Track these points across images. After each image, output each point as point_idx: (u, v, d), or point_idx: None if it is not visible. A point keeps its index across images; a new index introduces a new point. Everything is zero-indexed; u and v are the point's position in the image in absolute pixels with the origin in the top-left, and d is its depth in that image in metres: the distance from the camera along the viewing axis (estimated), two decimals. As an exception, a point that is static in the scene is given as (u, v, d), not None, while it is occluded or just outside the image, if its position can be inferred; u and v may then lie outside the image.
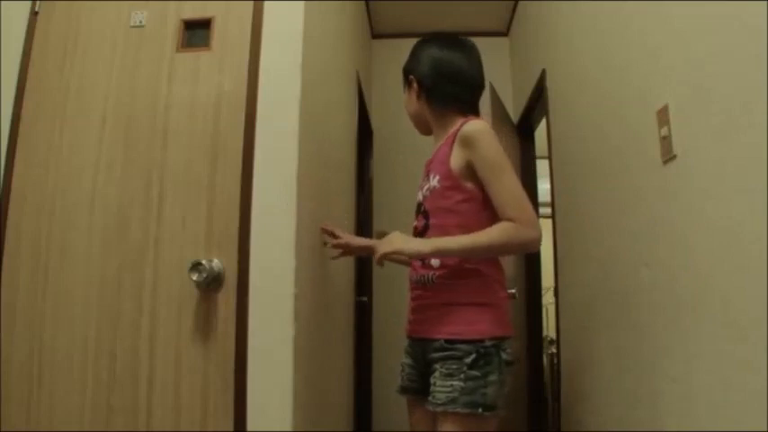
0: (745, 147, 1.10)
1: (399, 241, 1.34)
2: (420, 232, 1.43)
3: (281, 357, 1.45)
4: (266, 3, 1.65)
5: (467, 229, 1.34)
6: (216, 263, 1.50)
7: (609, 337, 1.93)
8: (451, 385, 1.27)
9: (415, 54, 1.54)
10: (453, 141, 1.38)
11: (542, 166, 3.10)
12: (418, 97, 1.51)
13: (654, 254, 1.54)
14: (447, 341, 1.31)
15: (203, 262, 1.47)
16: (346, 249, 1.80)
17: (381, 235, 3.65)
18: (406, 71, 1.55)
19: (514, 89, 3.73)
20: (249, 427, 1.43)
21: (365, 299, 3.26)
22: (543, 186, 3.09)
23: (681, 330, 1.37)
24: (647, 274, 1.57)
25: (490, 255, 1.37)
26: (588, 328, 2.21)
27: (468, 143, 1.34)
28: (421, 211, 1.45)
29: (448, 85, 1.47)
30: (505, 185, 1.33)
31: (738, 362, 1.12)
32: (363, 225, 3.38)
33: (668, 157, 1.42)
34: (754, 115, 1.05)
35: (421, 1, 3.50)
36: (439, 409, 1.27)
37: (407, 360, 1.48)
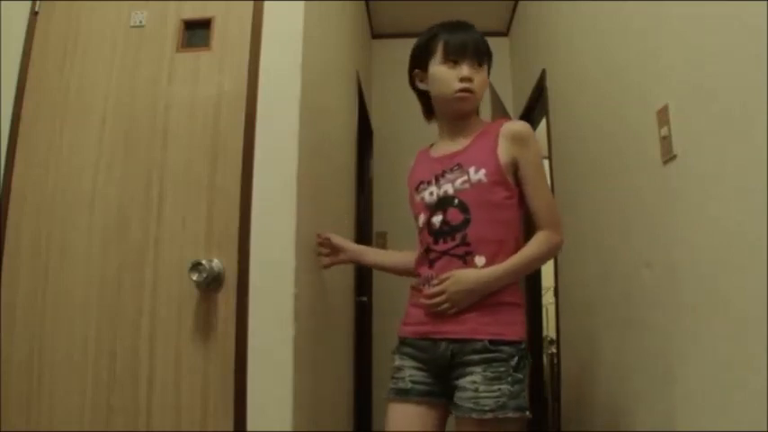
0: (745, 147, 1.10)
1: (472, 285, 1.29)
2: (455, 227, 1.33)
3: (281, 357, 1.45)
4: (266, 3, 1.65)
5: (508, 225, 1.34)
6: (216, 263, 1.50)
7: (609, 337, 1.93)
8: (499, 389, 1.21)
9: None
10: (496, 136, 1.35)
11: (542, 166, 3.10)
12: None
13: (654, 254, 1.54)
14: (491, 342, 1.25)
15: (203, 262, 1.47)
16: (330, 247, 1.72)
17: (381, 235, 3.60)
18: (491, 55, 1.46)
19: (514, 89, 3.74)
20: (249, 427, 1.43)
21: (365, 299, 3.26)
22: (543, 186, 3.08)
23: (681, 330, 1.37)
24: (648, 274, 1.57)
25: (538, 266, 1.42)
26: (588, 328, 2.21)
27: (520, 141, 1.34)
28: (454, 204, 1.34)
29: None
30: (545, 190, 1.38)
31: (738, 362, 1.12)
32: (363, 225, 3.38)
33: (668, 157, 1.42)
34: (754, 115, 1.05)
35: (421, 1, 3.50)
36: (488, 415, 1.20)
37: (409, 362, 1.36)
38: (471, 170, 1.33)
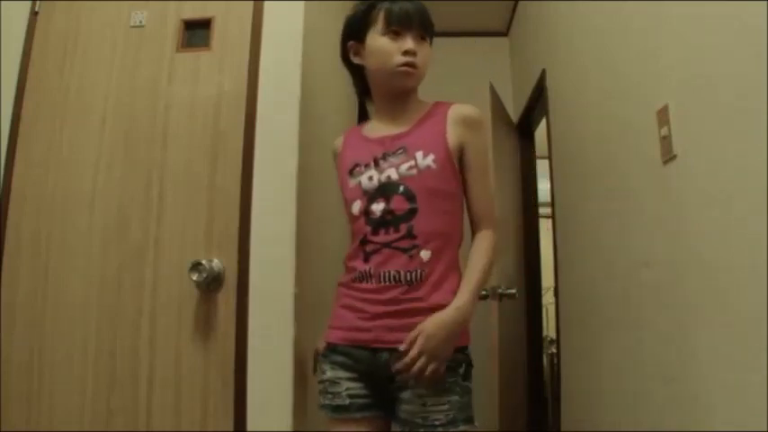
0: (745, 147, 1.10)
1: (447, 330, 1.11)
2: (400, 217, 1.18)
3: (281, 357, 1.45)
4: (266, 3, 1.65)
5: (453, 217, 1.22)
6: (216, 263, 1.50)
7: (609, 337, 1.93)
8: (449, 401, 1.11)
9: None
10: (445, 118, 1.23)
11: (542, 166, 3.10)
12: None
13: (654, 254, 1.53)
14: None
15: (203, 262, 1.47)
16: None
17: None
18: (432, 28, 1.32)
19: (514, 89, 3.73)
20: (249, 427, 1.43)
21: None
22: (543, 186, 3.09)
23: (681, 330, 1.37)
24: (647, 274, 1.57)
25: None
26: (588, 328, 2.21)
27: (470, 125, 1.23)
28: (399, 191, 1.19)
29: None
30: (489, 182, 1.27)
31: (738, 362, 1.12)
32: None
33: (668, 157, 1.42)
34: (754, 115, 1.05)
35: (421, 1, 3.50)
36: (438, 430, 1.09)
37: (342, 373, 1.19)
38: (419, 155, 1.19)
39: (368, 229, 1.21)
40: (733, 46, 1.14)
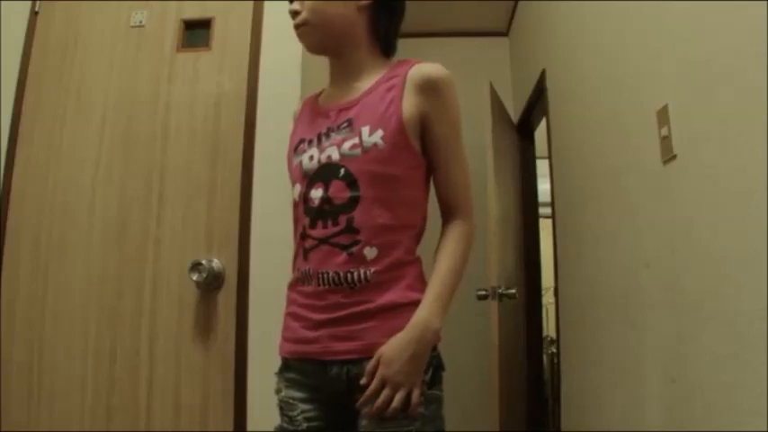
0: (745, 147, 1.10)
1: (410, 351, 0.93)
2: (339, 207, 0.99)
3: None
4: (266, 2, 1.65)
5: (410, 206, 1.02)
6: (216, 263, 1.50)
7: (609, 337, 1.93)
8: (410, 414, 0.93)
9: None
10: (403, 83, 1.02)
11: (542, 166, 3.10)
12: (359, 8, 1.08)
13: (654, 254, 1.54)
14: None
15: (203, 262, 1.47)
16: None
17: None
18: None
19: (514, 89, 3.73)
20: (249, 427, 1.43)
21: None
22: (543, 186, 3.09)
23: (681, 330, 1.37)
24: (647, 275, 1.57)
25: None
26: (588, 327, 2.21)
27: (432, 90, 1.01)
28: (339, 175, 0.99)
29: (398, 13, 1.14)
30: (462, 160, 1.04)
31: (738, 362, 1.12)
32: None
33: (668, 157, 1.42)
34: (754, 115, 1.05)
35: (421, 1, 3.50)
36: None
37: (296, 393, 1.01)
38: (365, 130, 0.99)
39: (306, 220, 1.03)
40: (733, 46, 1.14)
